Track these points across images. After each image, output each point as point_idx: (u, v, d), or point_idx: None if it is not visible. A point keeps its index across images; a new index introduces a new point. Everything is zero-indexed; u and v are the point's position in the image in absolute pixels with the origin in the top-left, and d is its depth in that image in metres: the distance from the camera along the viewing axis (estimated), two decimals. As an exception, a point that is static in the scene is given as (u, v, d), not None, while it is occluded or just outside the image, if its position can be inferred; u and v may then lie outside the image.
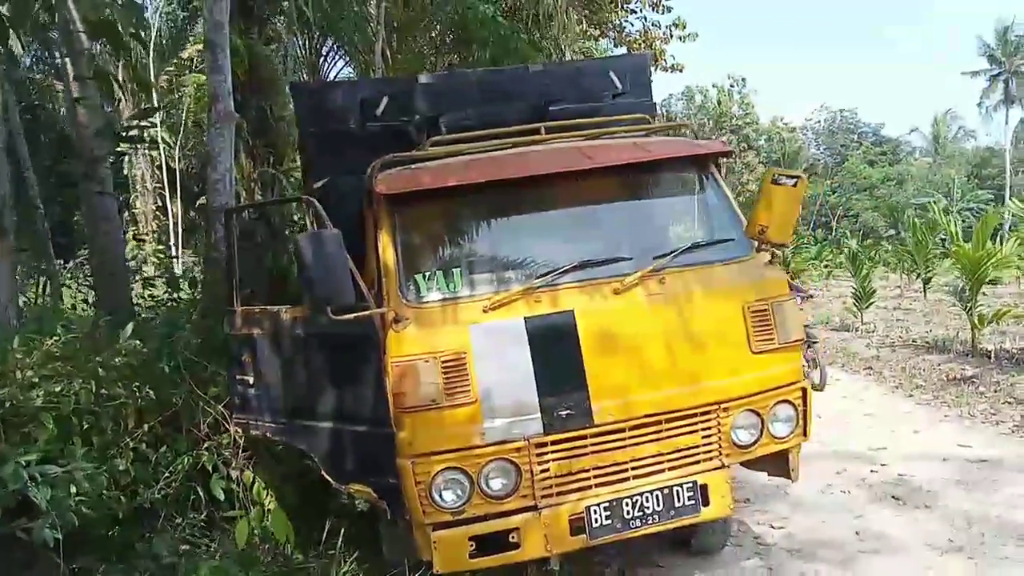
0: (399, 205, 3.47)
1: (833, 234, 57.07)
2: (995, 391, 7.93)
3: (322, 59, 13.26)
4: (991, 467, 5.49)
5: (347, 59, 13.17)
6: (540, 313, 3.21)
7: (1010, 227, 18.45)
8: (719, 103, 65.13)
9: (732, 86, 65.42)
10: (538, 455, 3.17)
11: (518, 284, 3.32)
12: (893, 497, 5.03)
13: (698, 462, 3.37)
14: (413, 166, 3.76)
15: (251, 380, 3.95)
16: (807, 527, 4.66)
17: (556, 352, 3.18)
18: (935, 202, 46.37)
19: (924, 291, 16.93)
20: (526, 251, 3.50)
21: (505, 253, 3.52)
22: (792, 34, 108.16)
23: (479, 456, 3.12)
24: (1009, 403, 7.48)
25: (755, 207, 3.40)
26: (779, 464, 3.69)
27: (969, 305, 9.84)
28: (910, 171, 58.83)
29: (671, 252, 3.42)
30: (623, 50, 14.91)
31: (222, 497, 4.09)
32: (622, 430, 3.24)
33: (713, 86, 66.34)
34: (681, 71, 15.46)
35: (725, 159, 3.95)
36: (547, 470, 3.18)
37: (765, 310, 3.43)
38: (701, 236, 3.71)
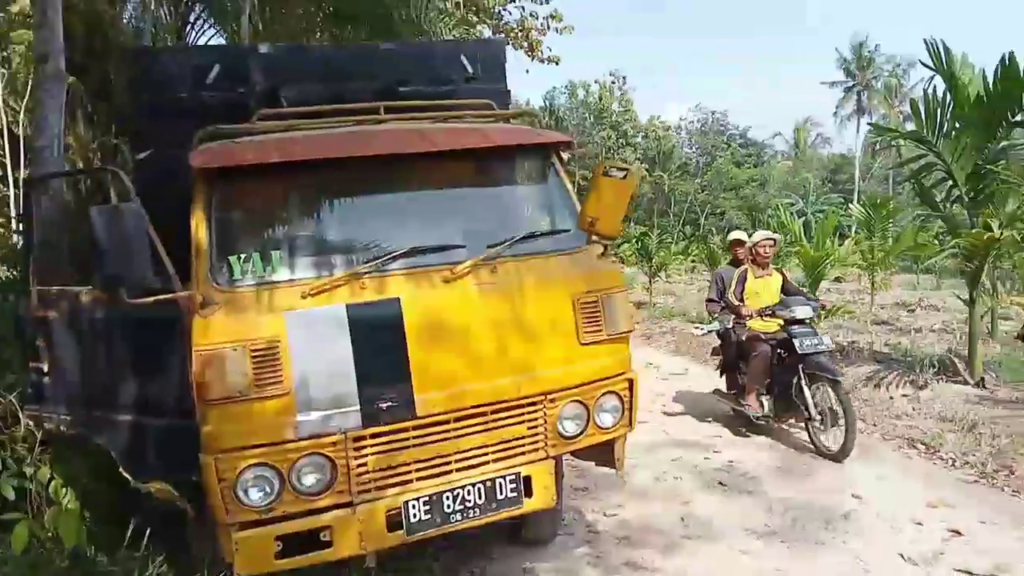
0: (216, 180, 3.22)
1: (700, 230, 60.02)
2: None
3: (189, 27, 12.45)
4: (811, 454, 5.84)
5: (218, 28, 12.43)
6: (364, 300, 3.06)
7: (854, 229, 19.92)
8: (600, 99, 66.78)
9: (613, 83, 67.27)
10: (356, 449, 3.03)
11: (343, 269, 3.16)
12: (720, 484, 5.24)
13: (523, 453, 3.34)
14: (237, 140, 3.52)
15: (45, 368, 3.59)
16: (638, 514, 4.77)
17: (379, 342, 3.05)
18: (792, 203, 49.62)
19: (775, 286, 17.97)
20: (354, 235, 3.34)
21: (331, 237, 3.34)
22: (672, 30, 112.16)
23: (291, 451, 2.95)
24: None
25: (586, 199, 3.40)
26: (605, 454, 3.72)
27: (809, 301, 10.50)
28: (772, 173, 62.52)
29: (505, 241, 3.36)
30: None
31: (12, 496, 3.70)
32: (446, 422, 3.16)
33: (595, 82, 67.93)
34: (557, 63, 15.57)
35: (566, 150, 3.94)
36: (365, 465, 3.05)
37: (595, 302, 3.44)
38: (538, 226, 3.67)
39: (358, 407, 3.01)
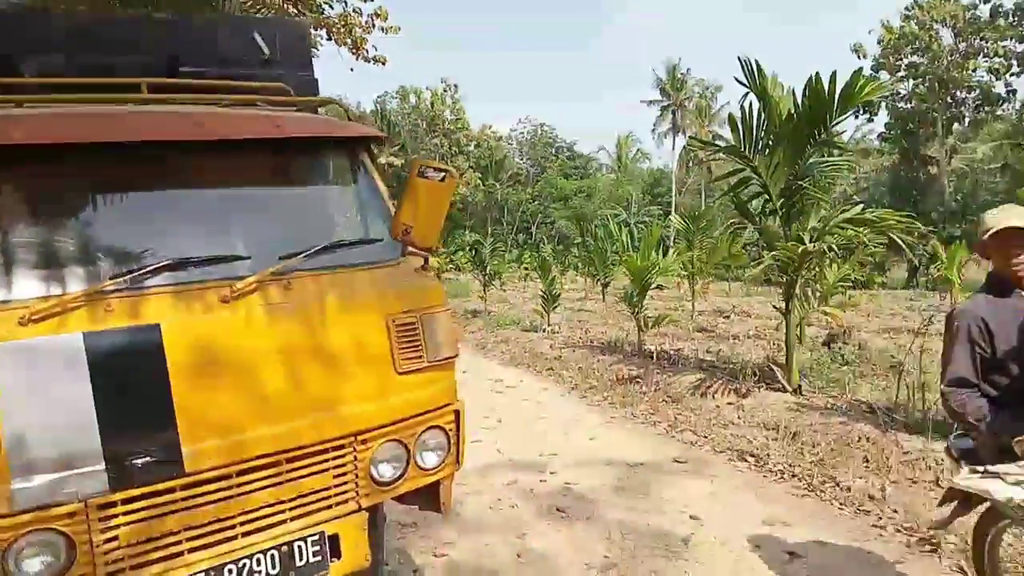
0: None
1: (532, 239, 61.36)
2: (655, 390, 8.54)
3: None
4: (646, 471, 5.69)
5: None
6: (110, 327, 2.37)
7: (674, 239, 20.89)
8: (432, 106, 66.68)
9: (445, 90, 67.40)
10: (102, 520, 2.33)
11: (82, 286, 2.45)
12: (558, 509, 4.92)
13: (329, 507, 2.77)
14: None
15: None
16: (470, 551, 4.33)
17: (131, 381, 2.37)
18: (616, 214, 51.96)
19: (603, 295, 18.41)
20: (100, 242, 2.62)
21: (66, 243, 2.58)
22: (500, 40, 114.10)
23: (4, 529, 2.21)
24: (666, 402, 8.07)
25: (399, 203, 2.90)
26: (429, 498, 3.24)
27: (636, 309, 10.65)
28: (597, 185, 65.23)
29: (302, 252, 2.79)
30: (323, 33, 14.07)
31: None
32: (227, 477, 2.53)
33: (427, 88, 67.78)
34: (384, 64, 14.98)
35: (377, 146, 3.43)
36: (115, 539, 2.35)
37: (413, 324, 2.96)
38: (344, 234, 3.12)
39: (103, 465, 2.32)
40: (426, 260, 3.14)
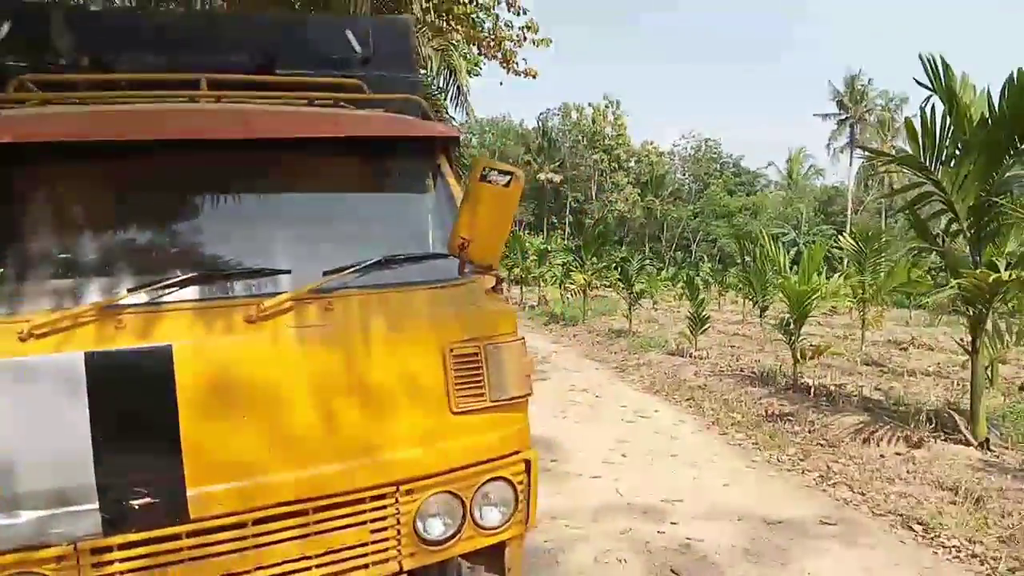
0: None
1: (692, 257, 59.36)
2: (808, 432, 7.56)
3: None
4: (786, 531, 4.88)
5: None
6: (116, 347, 2.12)
7: (846, 263, 19.09)
8: (593, 121, 66.64)
9: (607, 106, 67.17)
10: (94, 567, 2.07)
11: (94, 299, 2.22)
12: (672, 572, 4.27)
13: (365, 567, 2.38)
14: None
15: None
16: (564, 614, 3.81)
17: (134, 408, 2.10)
18: (784, 233, 49.05)
19: (760, 320, 17.10)
20: (116, 251, 2.40)
21: (83, 251, 2.38)
22: (664, 56, 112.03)
23: None
24: (820, 446, 7.10)
25: (459, 212, 2.47)
26: (492, 561, 2.76)
27: (793, 338, 9.60)
28: (764, 202, 62.09)
29: (349, 267, 2.43)
30: (474, 49, 14.12)
31: None
32: (241, 525, 2.20)
33: (589, 105, 67.88)
34: (535, 77, 14.79)
35: (455, 148, 3.03)
36: None
37: (474, 355, 2.52)
38: (407, 247, 2.73)
39: (96, 505, 2.05)
40: (499, 280, 2.69)
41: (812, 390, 9.20)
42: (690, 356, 12.87)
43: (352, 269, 2.43)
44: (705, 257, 54.46)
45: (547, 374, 11.63)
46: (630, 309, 16.56)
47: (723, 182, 66.50)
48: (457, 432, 2.49)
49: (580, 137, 67.55)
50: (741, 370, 11.37)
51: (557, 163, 65.82)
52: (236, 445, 2.18)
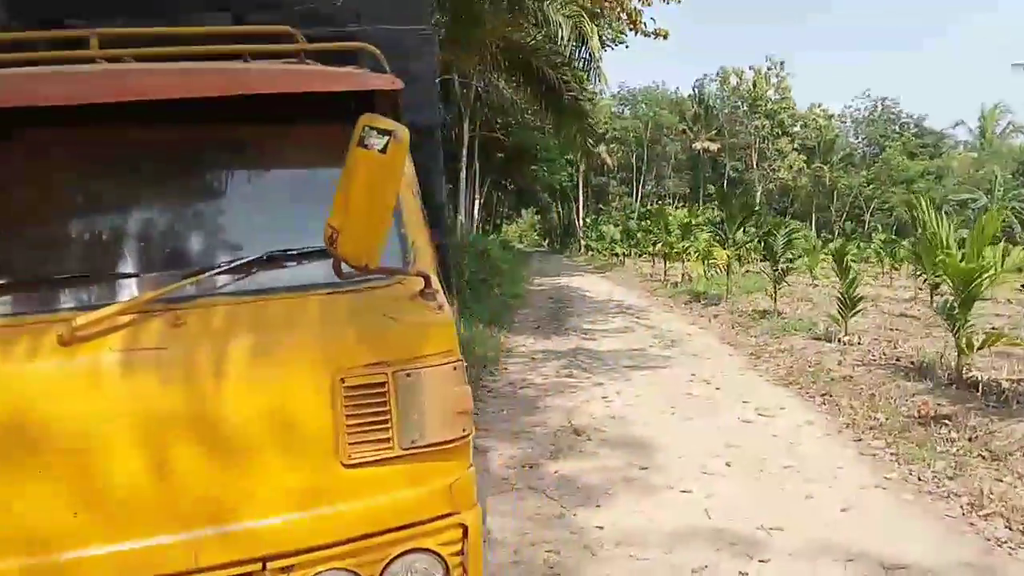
0: None
1: (865, 228, 54.49)
2: (969, 440, 6.23)
3: None
4: (907, 580, 3.85)
5: None
6: None
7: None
8: (754, 86, 62.82)
9: (770, 68, 63.05)
10: None
11: None
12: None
13: None
14: None
15: None
16: None
17: None
18: (974, 199, 43.73)
19: (931, 298, 14.99)
20: None
21: None
22: (833, 18, 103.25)
23: None
24: (982, 458, 5.80)
25: (337, 190, 1.81)
26: None
27: (957, 326, 8.05)
28: (951, 165, 55.79)
29: (216, 267, 1.86)
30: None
31: None
32: None
33: (750, 68, 64.09)
34: (665, 37, 13.70)
35: (389, 104, 2.36)
36: None
37: (379, 386, 1.88)
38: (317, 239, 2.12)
39: None
40: (427, 281, 2.01)
41: (980, 387, 7.67)
42: (838, 341, 11.39)
43: (218, 270, 1.86)
44: (880, 227, 49.74)
45: (669, 361, 10.68)
46: (775, 287, 15.05)
47: (902, 144, 60.40)
48: (353, 490, 1.86)
49: (740, 103, 63.95)
50: (897, 359, 9.83)
51: (714, 131, 62.71)
52: (30, 510, 1.68)
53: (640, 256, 35.74)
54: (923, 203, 8.55)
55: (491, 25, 13.68)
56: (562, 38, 16.04)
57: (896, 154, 58.27)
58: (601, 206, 63.93)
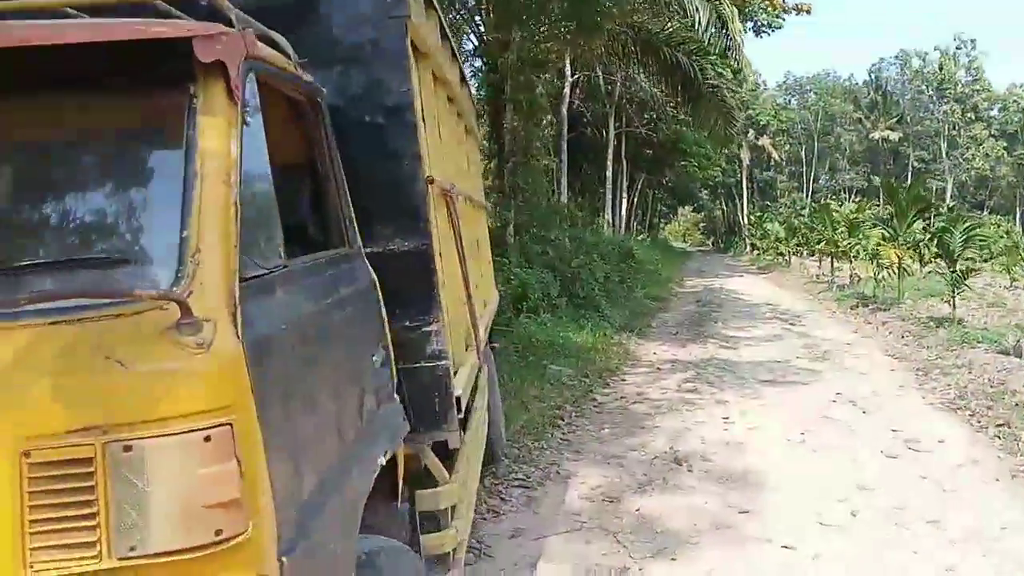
0: None
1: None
2: None
3: None
4: None
5: None
6: None
7: None
8: (941, 68, 57.05)
9: (958, 48, 57.00)
10: None
11: None
12: None
13: None
14: None
15: None
16: None
17: None
18: None
19: None
20: None
21: None
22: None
23: None
24: None
25: None
26: None
27: None
28: None
29: None
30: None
31: None
32: None
33: (936, 49, 58.36)
34: (808, 12, 12.27)
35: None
36: None
37: (84, 463, 1.30)
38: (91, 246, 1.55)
39: None
40: (184, 309, 1.36)
41: None
42: (1031, 357, 9.48)
43: None
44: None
45: (814, 377, 9.31)
46: (953, 291, 13.00)
47: None
48: None
49: (924, 87, 58.26)
50: (1108, 383, 7.95)
51: (895, 118, 57.39)
52: None
53: (808, 255, 33.19)
54: None
55: (616, 8, 12.76)
56: (699, 23, 14.88)
57: (1123, 135, 50.48)
58: (767, 202, 60.44)
